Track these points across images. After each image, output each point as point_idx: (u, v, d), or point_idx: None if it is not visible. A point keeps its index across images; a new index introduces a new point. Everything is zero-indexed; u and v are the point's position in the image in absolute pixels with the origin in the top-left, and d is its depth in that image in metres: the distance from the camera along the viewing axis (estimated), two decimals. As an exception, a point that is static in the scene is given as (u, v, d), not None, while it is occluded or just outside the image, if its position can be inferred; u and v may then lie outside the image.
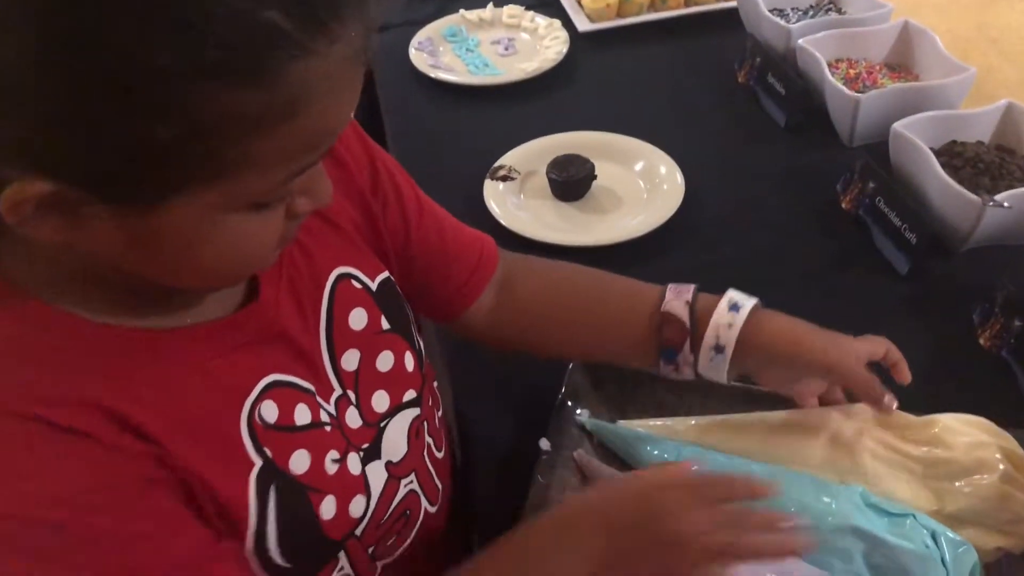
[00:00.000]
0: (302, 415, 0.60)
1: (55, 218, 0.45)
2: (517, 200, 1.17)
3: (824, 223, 1.10)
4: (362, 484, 0.64)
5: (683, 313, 0.73)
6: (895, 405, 0.74)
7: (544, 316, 0.80)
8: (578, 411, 0.83)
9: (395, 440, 0.68)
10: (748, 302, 0.73)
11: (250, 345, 0.58)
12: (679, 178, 1.15)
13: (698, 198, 1.13)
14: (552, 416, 0.81)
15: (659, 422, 0.82)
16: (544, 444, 0.79)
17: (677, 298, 0.74)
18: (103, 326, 0.52)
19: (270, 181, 0.47)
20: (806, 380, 0.75)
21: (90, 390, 0.49)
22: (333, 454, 0.62)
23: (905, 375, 0.74)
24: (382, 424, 0.68)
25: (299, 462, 0.59)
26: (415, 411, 0.71)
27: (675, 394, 0.84)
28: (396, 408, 0.69)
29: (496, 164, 1.20)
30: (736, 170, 1.21)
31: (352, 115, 0.50)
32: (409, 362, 0.71)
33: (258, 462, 0.56)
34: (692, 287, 0.75)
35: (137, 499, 0.49)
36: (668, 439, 0.79)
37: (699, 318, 0.73)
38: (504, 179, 1.18)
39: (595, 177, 1.16)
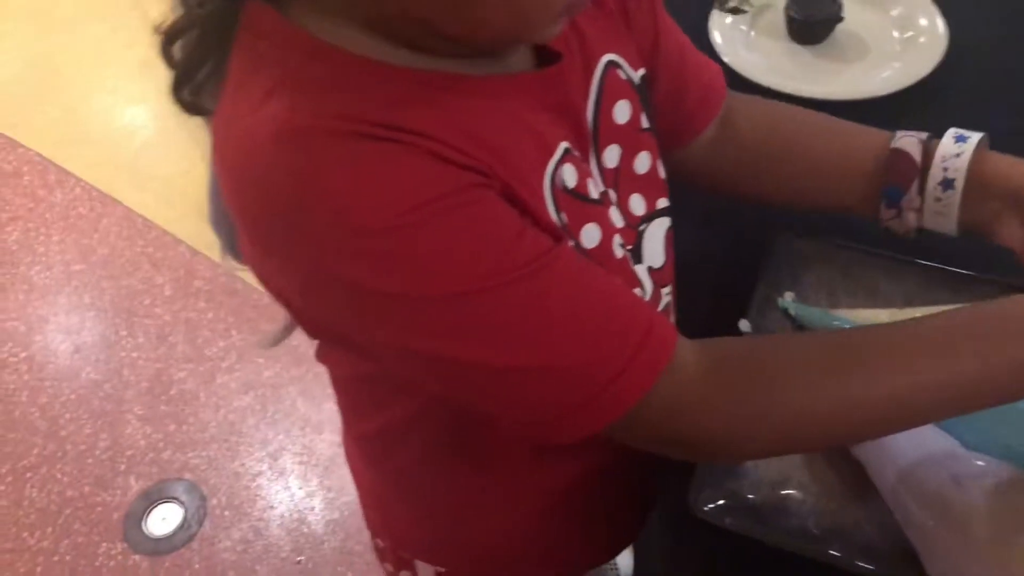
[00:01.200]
0: (592, 189, 0.58)
1: None
2: (746, 38, 1.06)
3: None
4: (638, 280, 0.62)
5: (915, 150, 0.67)
6: None
7: (763, 154, 0.75)
8: (783, 294, 0.77)
9: (654, 246, 0.66)
10: (974, 135, 0.66)
11: (551, 108, 0.56)
12: (941, 28, 1.00)
13: (963, 55, 0.98)
14: (754, 296, 0.76)
15: (874, 312, 0.75)
16: (744, 325, 0.75)
17: (909, 136, 0.68)
18: (410, 69, 0.50)
19: None
20: None
21: (413, 118, 0.48)
22: (619, 238, 0.60)
23: None
24: (640, 228, 0.65)
25: (590, 236, 0.57)
26: (669, 220, 0.68)
27: (892, 279, 0.77)
28: (652, 214, 0.66)
29: (728, -7, 1.09)
30: (1013, 21, 1.03)
31: None
32: (661, 168, 0.67)
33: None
34: (925, 133, 0.69)
35: (480, 200, 0.49)
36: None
37: (928, 155, 0.67)
38: (734, 11, 1.07)
39: (841, 19, 1.03)
